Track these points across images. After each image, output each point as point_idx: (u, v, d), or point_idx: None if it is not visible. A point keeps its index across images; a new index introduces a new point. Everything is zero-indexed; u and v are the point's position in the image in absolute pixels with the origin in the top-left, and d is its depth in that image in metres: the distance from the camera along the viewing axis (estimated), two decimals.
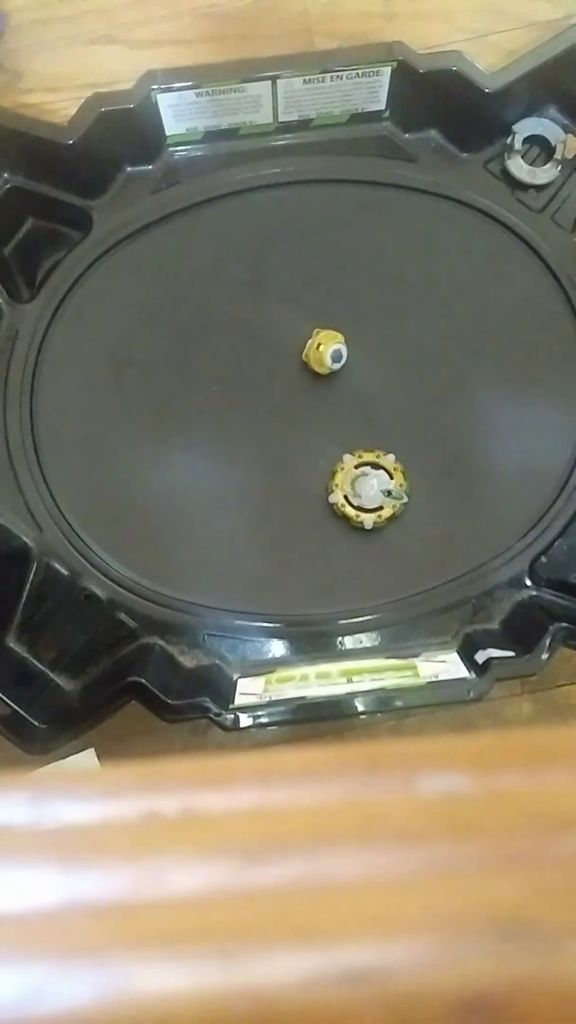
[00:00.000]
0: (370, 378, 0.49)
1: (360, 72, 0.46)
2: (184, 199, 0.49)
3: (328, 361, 0.47)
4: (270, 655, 0.47)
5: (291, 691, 0.44)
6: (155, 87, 0.46)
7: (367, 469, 0.48)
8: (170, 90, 0.46)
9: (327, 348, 0.47)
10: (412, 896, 0.12)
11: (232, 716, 0.43)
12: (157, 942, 0.11)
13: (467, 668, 0.44)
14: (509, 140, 0.49)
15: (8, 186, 0.47)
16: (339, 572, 0.48)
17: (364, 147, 0.50)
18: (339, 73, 0.46)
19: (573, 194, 0.50)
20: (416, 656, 0.46)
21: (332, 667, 0.46)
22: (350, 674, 0.45)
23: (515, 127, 0.49)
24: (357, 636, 0.48)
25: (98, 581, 0.47)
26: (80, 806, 0.13)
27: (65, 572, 0.47)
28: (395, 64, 0.46)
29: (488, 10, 0.51)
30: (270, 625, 0.47)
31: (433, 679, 0.44)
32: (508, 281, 0.50)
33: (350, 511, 0.47)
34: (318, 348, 0.48)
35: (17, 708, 0.43)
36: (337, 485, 0.47)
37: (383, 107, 0.49)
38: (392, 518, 0.47)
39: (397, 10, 0.51)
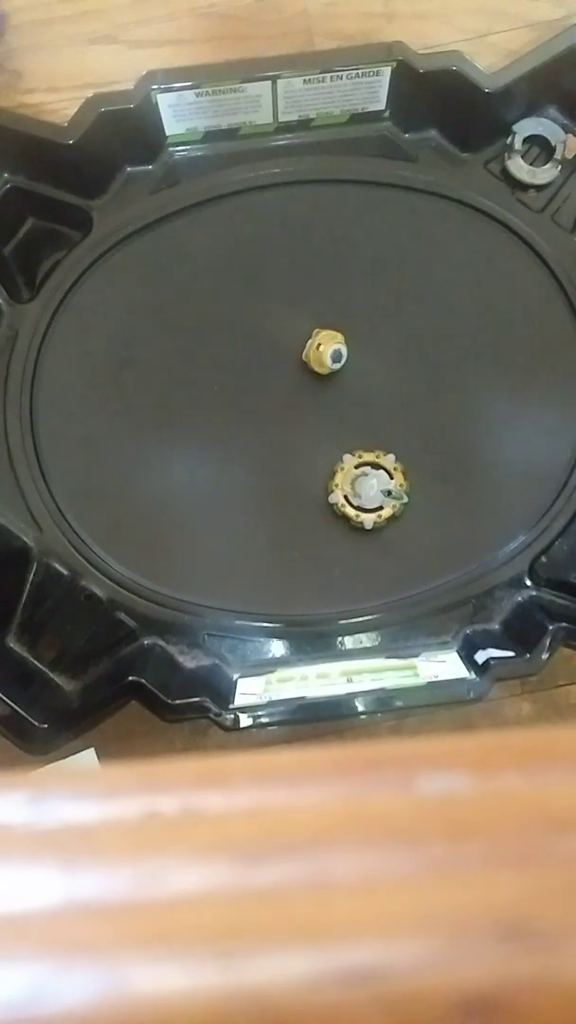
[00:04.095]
0: (370, 378, 0.49)
1: (360, 72, 0.46)
2: (184, 199, 0.49)
3: (328, 361, 0.47)
4: (270, 655, 0.47)
5: (291, 691, 0.44)
6: (155, 87, 0.46)
7: (367, 469, 0.48)
8: (170, 90, 0.46)
9: (327, 348, 0.47)
10: (412, 896, 0.12)
11: (232, 716, 0.43)
12: (157, 942, 0.11)
13: (467, 668, 0.44)
14: (509, 140, 0.49)
15: (8, 186, 0.47)
16: (339, 572, 0.48)
17: (364, 147, 0.50)
18: (339, 73, 0.46)
19: (573, 194, 0.50)
20: (416, 656, 0.46)
21: (332, 667, 0.46)
22: (350, 674, 0.45)
23: (515, 127, 0.49)
24: (357, 636, 0.48)
25: (98, 581, 0.47)
26: (80, 806, 0.13)
27: (65, 572, 0.47)
28: (395, 64, 0.46)
29: (488, 10, 0.51)
30: (270, 625, 0.47)
31: (433, 679, 0.44)
32: (508, 281, 0.50)
33: (350, 511, 0.47)
34: (318, 348, 0.48)
35: (17, 708, 0.43)
36: (337, 485, 0.47)
37: (383, 107, 0.49)
38: (392, 518, 0.47)
39: (397, 10, 0.51)
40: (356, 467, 0.48)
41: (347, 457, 0.48)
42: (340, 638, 0.48)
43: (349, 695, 0.44)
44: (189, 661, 0.47)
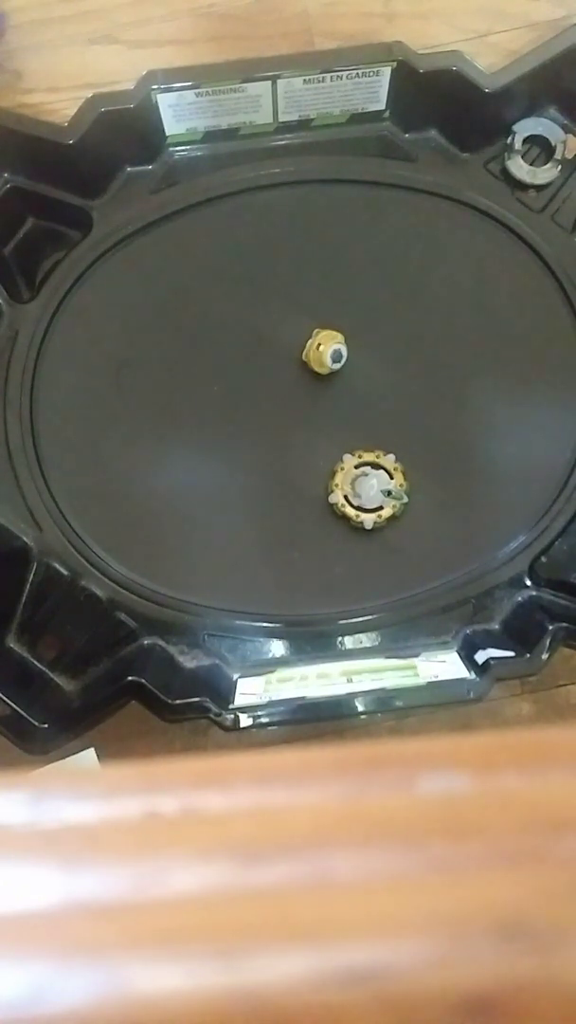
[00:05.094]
0: (370, 378, 0.49)
1: (360, 72, 0.46)
2: (184, 199, 0.49)
3: (328, 361, 0.47)
4: (270, 655, 0.47)
5: (291, 691, 0.44)
6: (155, 87, 0.46)
7: (367, 469, 0.48)
8: (170, 90, 0.46)
9: (327, 348, 0.47)
10: (412, 896, 0.12)
11: (232, 716, 0.43)
12: (157, 942, 0.11)
13: (467, 668, 0.44)
14: (509, 140, 0.49)
15: (8, 186, 0.47)
16: (339, 572, 0.48)
17: (364, 147, 0.50)
18: (339, 73, 0.46)
19: (573, 194, 0.50)
20: (416, 656, 0.46)
21: (332, 667, 0.46)
22: (350, 674, 0.45)
23: (515, 127, 0.49)
24: (357, 636, 0.48)
25: (98, 581, 0.47)
26: (80, 806, 0.13)
27: (65, 572, 0.47)
28: (395, 64, 0.46)
29: (488, 10, 0.51)
30: (270, 625, 0.47)
31: (433, 679, 0.44)
32: (508, 281, 0.50)
33: (350, 511, 0.47)
34: (318, 348, 0.48)
35: (17, 708, 0.43)
36: (337, 485, 0.47)
37: (383, 107, 0.49)
38: (392, 518, 0.47)
39: (397, 10, 0.51)
40: (356, 467, 0.48)
41: (347, 457, 0.48)
42: (340, 638, 0.48)
43: (349, 695, 0.44)
44: (189, 661, 0.47)
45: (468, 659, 0.45)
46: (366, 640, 0.48)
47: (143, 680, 0.43)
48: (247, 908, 0.12)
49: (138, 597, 0.47)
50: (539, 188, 0.49)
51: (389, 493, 0.47)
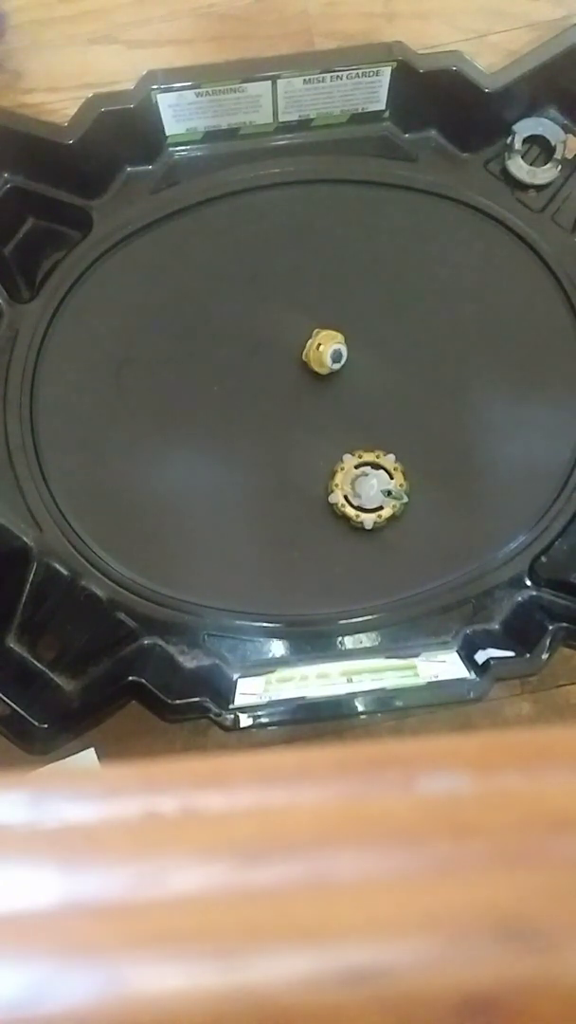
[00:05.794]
0: (370, 378, 0.49)
1: (360, 72, 0.46)
2: (184, 199, 0.49)
3: (328, 361, 0.47)
4: (270, 655, 0.47)
5: (291, 691, 0.44)
6: (155, 87, 0.46)
7: (367, 469, 0.48)
8: (170, 90, 0.46)
9: (327, 348, 0.47)
10: (412, 896, 0.12)
11: (232, 716, 0.43)
12: (157, 942, 0.11)
13: (467, 668, 0.44)
14: (509, 140, 0.49)
15: (8, 186, 0.47)
16: (339, 572, 0.48)
17: (364, 147, 0.50)
18: (339, 73, 0.46)
19: (573, 194, 0.50)
20: (416, 656, 0.46)
21: (332, 667, 0.46)
22: (350, 674, 0.45)
23: (515, 127, 0.49)
24: (357, 636, 0.48)
25: (98, 581, 0.47)
26: (80, 806, 0.13)
27: (65, 572, 0.47)
28: (395, 64, 0.46)
29: (488, 10, 0.51)
30: (270, 625, 0.47)
31: (433, 679, 0.44)
32: (508, 281, 0.50)
33: (350, 511, 0.47)
34: (318, 348, 0.48)
35: (17, 708, 0.43)
36: (337, 485, 0.47)
37: (383, 107, 0.49)
38: (392, 518, 0.47)
39: (397, 10, 0.51)
40: (356, 467, 0.48)
41: (347, 457, 0.48)
42: (340, 638, 0.48)
43: (349, 695, 0.44)
44: (189, 661, 0.47)
45: (468, 659, 0.45)
46: (366, 640, 0.48)
47: (143, 680, 0.43)
48: (247, 908, 0.12)
49: (138, 597, 0.47)
50: (539, 188, 0.49)
51: (389, 493, 0.47)
